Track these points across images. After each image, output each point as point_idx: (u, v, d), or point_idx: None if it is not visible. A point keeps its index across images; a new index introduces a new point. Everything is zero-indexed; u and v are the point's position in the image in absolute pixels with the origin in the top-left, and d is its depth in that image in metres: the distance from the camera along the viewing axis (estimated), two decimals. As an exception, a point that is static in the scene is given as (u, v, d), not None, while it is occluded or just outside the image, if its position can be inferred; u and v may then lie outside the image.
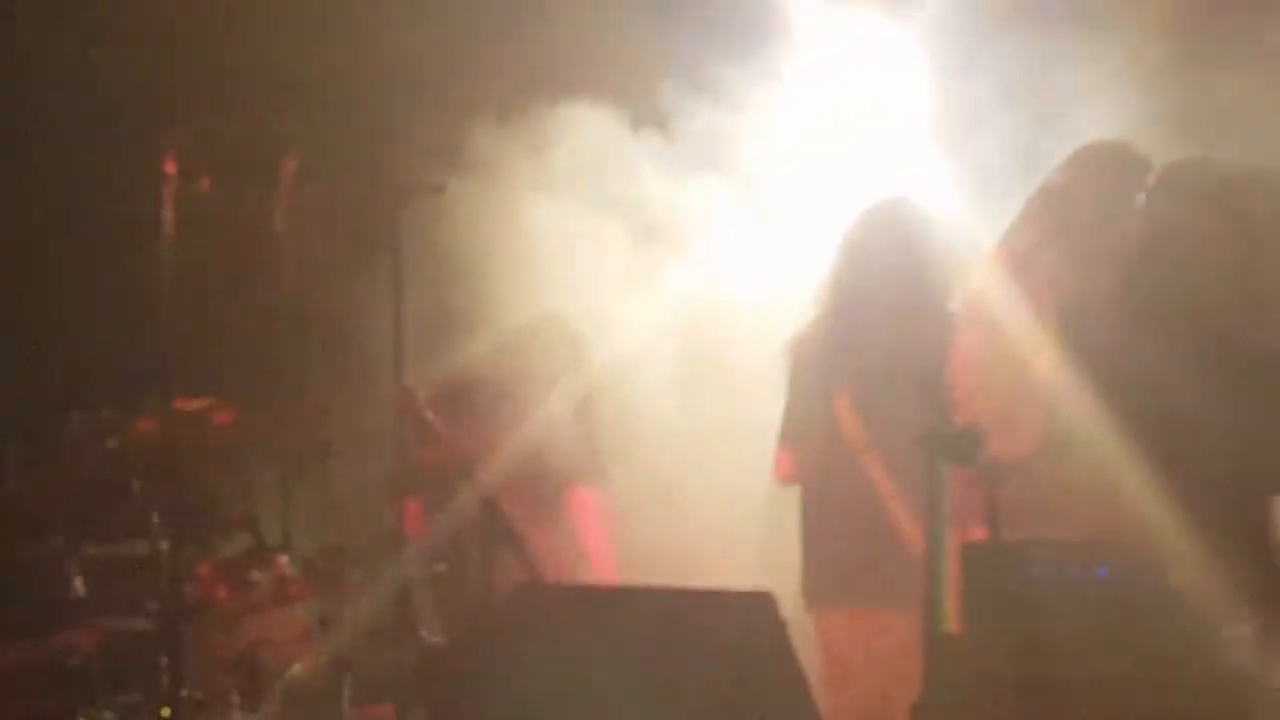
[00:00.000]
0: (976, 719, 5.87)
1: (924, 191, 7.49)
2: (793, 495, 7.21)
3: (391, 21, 8.33)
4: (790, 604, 6.75)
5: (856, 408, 6.91)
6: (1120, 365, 6.25)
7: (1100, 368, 6.31)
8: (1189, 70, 8.09)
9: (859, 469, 6.88)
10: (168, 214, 6.83)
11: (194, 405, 7.22)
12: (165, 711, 7.03)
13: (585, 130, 8.08)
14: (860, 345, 6.94)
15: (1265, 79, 7.98)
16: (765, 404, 7.27)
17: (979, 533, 5.96)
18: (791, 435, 7.11)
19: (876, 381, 6.88)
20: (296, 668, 7.19)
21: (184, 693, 6.84)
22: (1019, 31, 8.14)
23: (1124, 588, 5.85)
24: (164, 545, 6.92)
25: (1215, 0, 8.33)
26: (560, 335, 7.90)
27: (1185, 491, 6.01)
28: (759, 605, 6.05)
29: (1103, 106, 7.89)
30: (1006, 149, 7.88)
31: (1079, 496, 6.21)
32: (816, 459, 7.02)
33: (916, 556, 6.45)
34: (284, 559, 7.27)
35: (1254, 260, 6.39)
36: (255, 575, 7.23)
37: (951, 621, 6.02)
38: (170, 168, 6.84)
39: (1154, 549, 5.93)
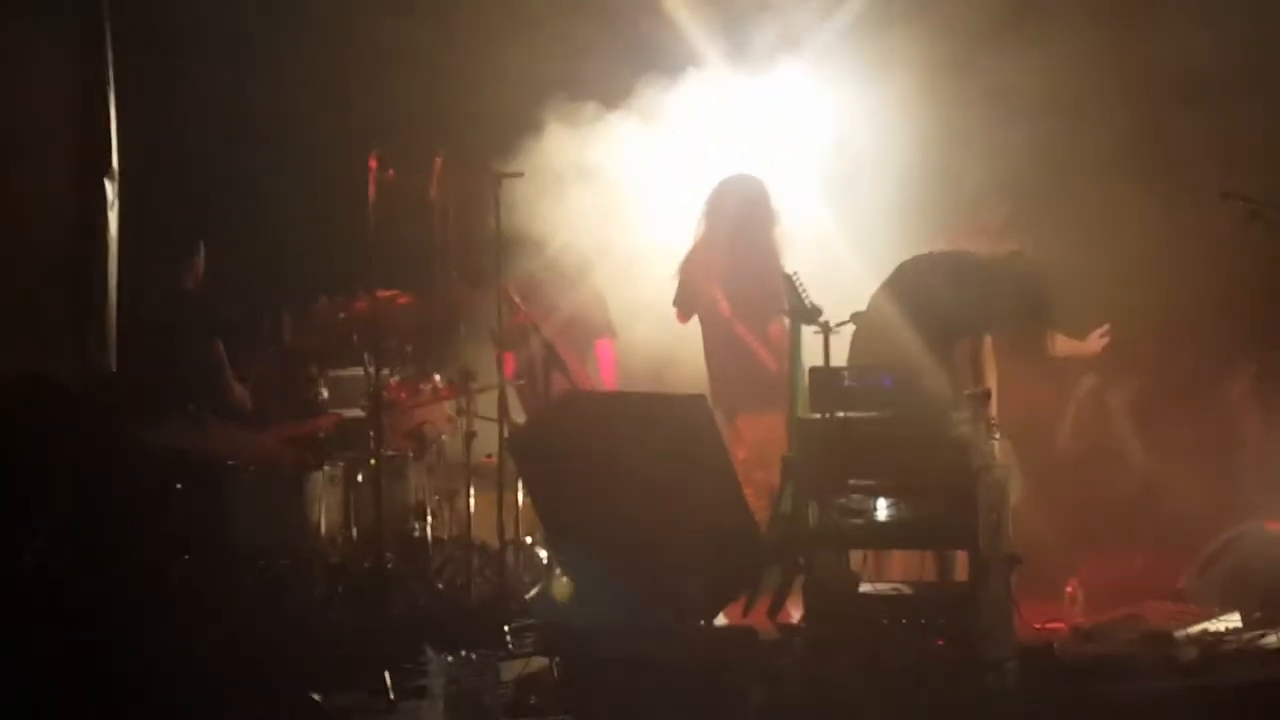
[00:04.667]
0: (820, 463, 7.94)
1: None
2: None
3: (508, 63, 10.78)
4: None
5: (728, 297, 9.87)
6: (910, 288, 9.06)
7: (899, 290, 9.06)
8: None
9: (730, 327, 9.84)
10: (371, 189, 9.09)
11: (387, 293, 9.72)
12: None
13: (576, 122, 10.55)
14: (729, 265, 9.87)
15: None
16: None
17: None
18: (682, 304, 10.02)
19: (739, 283, 9.84)
20: (444, 436, 10.07)
21: (381, 451, 9.17)
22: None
23: (899, 389, 8.01)
24: (370, 369, 9.31)
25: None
26: (579, 256, 10.62)
27: (927, 338, 8.81)
28: (696, 403, 8.78)
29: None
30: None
31: (883, 345, 8.86)
32: (706, 325, 9.91)
33: (774, 376, 9.53)
34: (436, 376, 10.05)
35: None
36: (421, 385, 10.03)
37: (805, 410, 8.31)
38: (373, 163, 9.11)
39: (914, 368, 8.31)
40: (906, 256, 9.27)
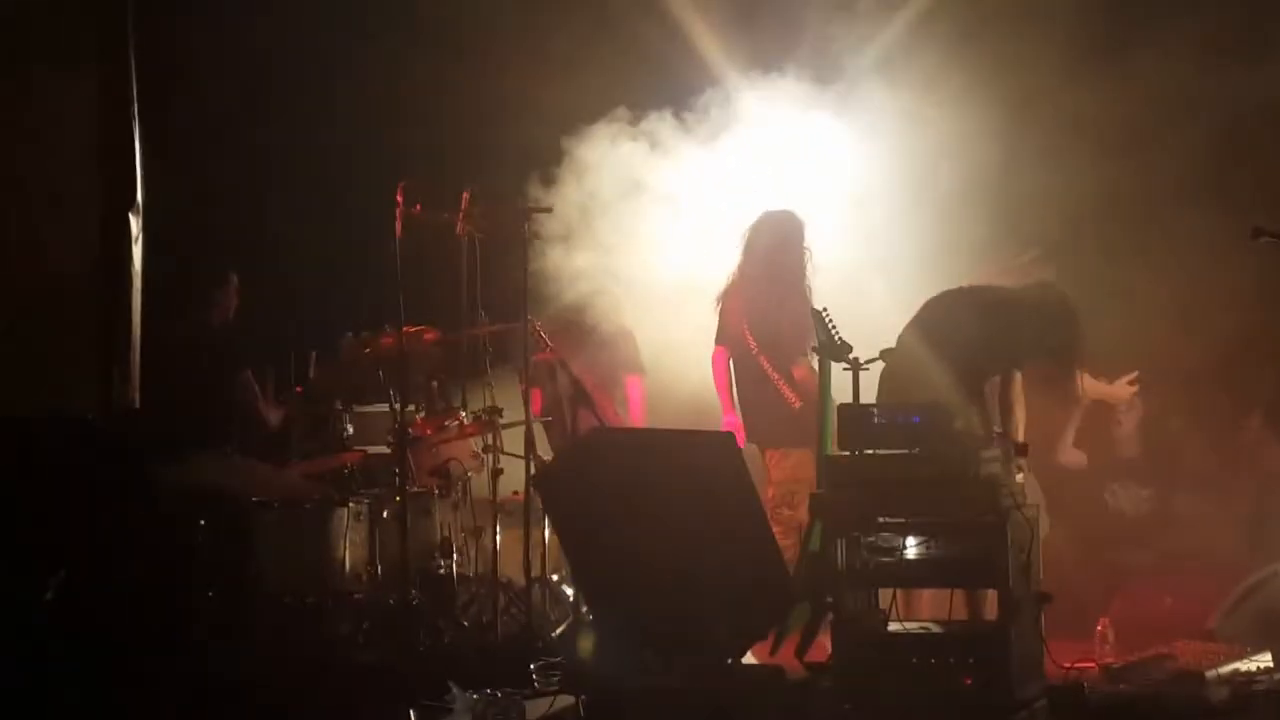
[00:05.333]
0: (849, 501, 7.89)
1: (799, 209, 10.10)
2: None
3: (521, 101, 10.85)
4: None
5: (753, 332, 9.89)
6: (938, 324, 8.97)
7: (928, 328, 8.96)
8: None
9: (757, 362, 9.87)
10: (398, 224, 9.27)
11: (413, 329, 9.71)
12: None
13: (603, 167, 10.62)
14: (757, 298, 9.92)
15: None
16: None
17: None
18: (721, 339, 10.04)
19: (765, 319, 9.87)
20: (470, 472, 10.03)
21: (406, 487, 9.35)
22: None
23: (928, 427, 7.97)
24: (396, 406, 9.50)
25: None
26: (611, 295, 10.64)
27: (956, 375, 8.73)
28: (725, 440, 8.80)
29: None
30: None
31: (911, 382, 8.78)
32: (736, 358, 9.97)
33: (797, 413, 9.59)
34: (463, 413, 10.07)
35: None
36: (446, 421, 10.03)
37: (833, 447, 8.29)
38: (399, 198, 9.29)
39: (943, 406, 8.22)
40: (935, 293, 9.26)
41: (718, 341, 10.10)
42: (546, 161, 10.58)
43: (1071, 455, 10.63)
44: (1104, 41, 10.38)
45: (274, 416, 9.95)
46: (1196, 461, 10.35)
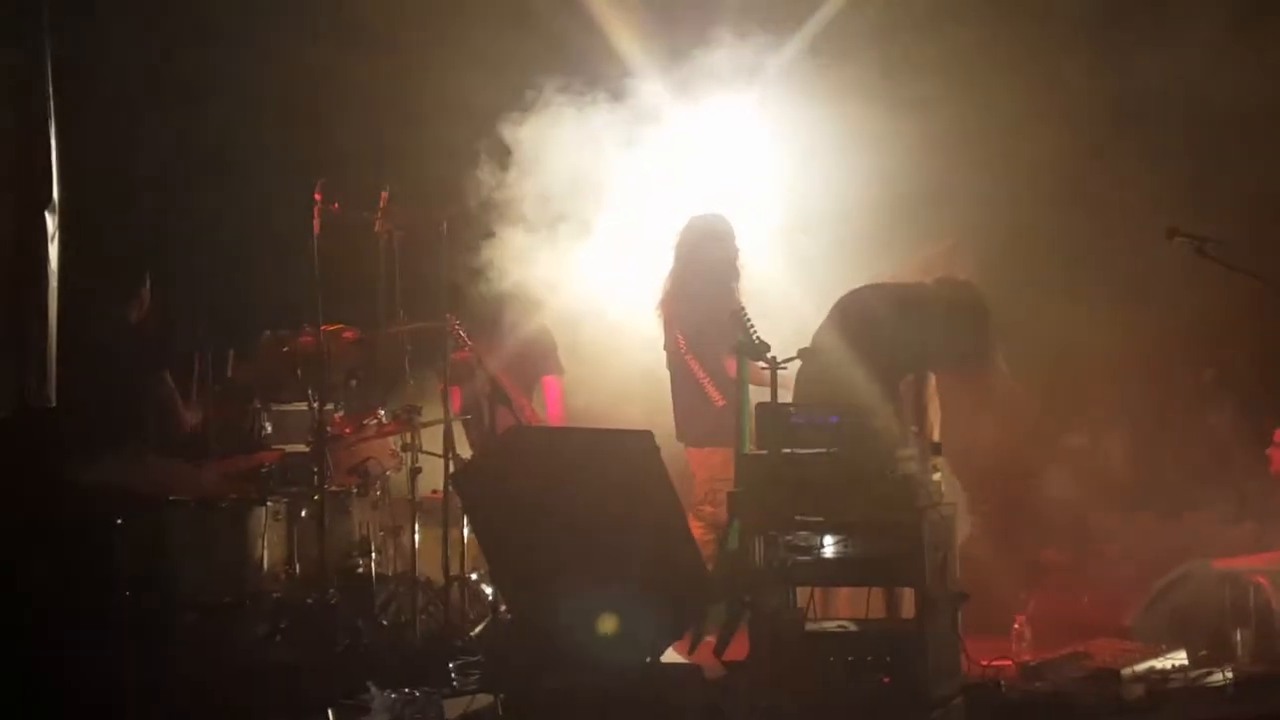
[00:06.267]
0: (766, 500, 7.89)
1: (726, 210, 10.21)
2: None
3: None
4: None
5: (682, 332, 10.01)
6: (854, 323, 9.02)
7: (844, 327, 9.01)
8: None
9: (685, 361, 9.99)
10: (315, 223, 9.24)
11: (331, 327, 9.68)
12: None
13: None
14: (687, 301, 10.04)
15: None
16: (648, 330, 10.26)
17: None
18: (665, 345, 10.12)
19: (694, 320, 9.98)
20: (389, 471, 10.07)
21: (325, 486, 9.32)
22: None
23: (846, 426, 8.00)
24: (314, 404, 9.45)
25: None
26: (530, 293, 10.63)
27: (875, 375, 8.69)
28: (643, 439, 8.64)
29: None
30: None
31: (828, 382, 8.79)
32: (670, 358, 10.10)
33: (720, 411, 9.62)
34: (381, 411, 10.01)
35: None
36: (365, 420, 9.96)
37: (751, 446, 8.44)
38: (318, 196, 9.27)
39: (860, 405, 8.29)
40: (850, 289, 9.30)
41: (665, 348, 10.23)
42: (466, 158, 10.65)
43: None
44: (1035, 37, 10.53)
45: (192, 416, 9.87)
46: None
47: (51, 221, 9.23)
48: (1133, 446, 10.55)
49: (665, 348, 10.21)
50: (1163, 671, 8.43)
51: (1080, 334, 10.21)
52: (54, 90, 9.20)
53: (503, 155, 10.67)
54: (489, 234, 10.57)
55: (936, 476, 8.40)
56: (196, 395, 10.05)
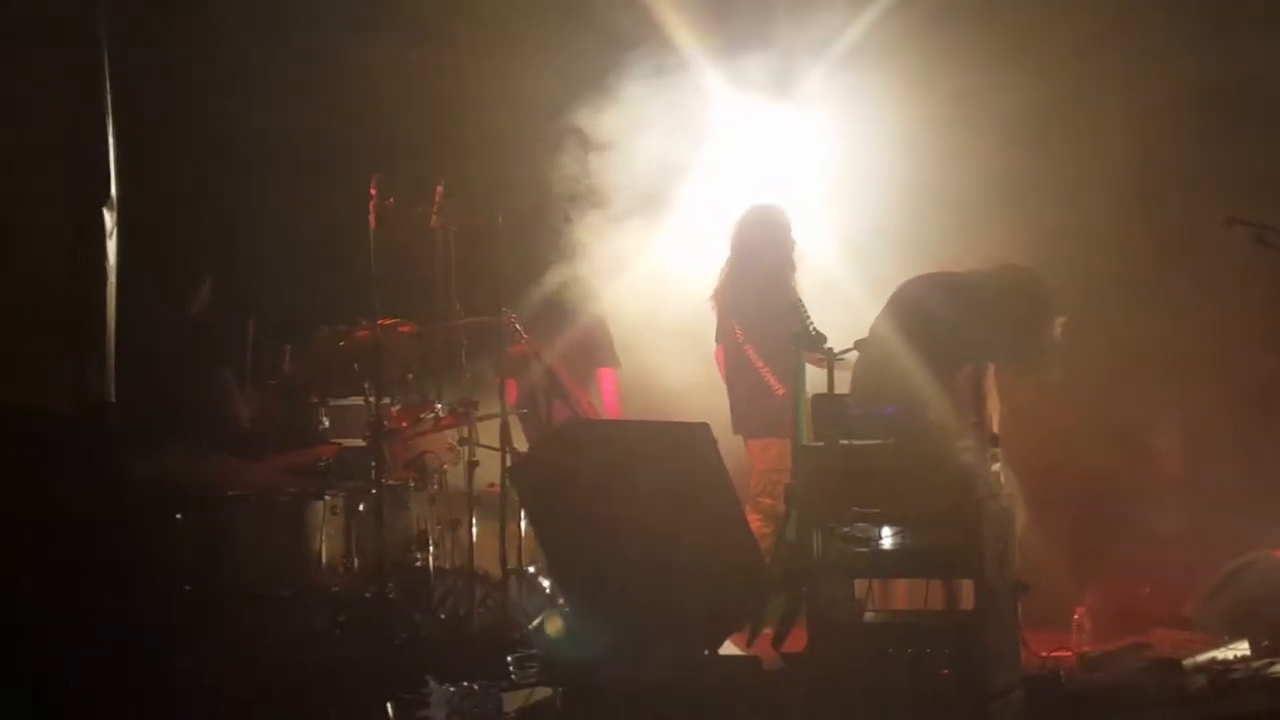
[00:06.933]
0: (824, 492, 7.82)
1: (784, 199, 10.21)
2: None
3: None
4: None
5: (740, 323, 10.02)
6: (909, 313, 8.98)
7: (900, 317, 8.97)
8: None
9: (743, 352, 10.00)
10: (371, 217, 9.26)
11: (388, 321, 9.67)
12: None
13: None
14: (743, 290, 10.05)
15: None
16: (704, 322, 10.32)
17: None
18: (719, 336, 10.20)
19: (751, 309, 9.99)
20: (446, 465, 10.02)
21: (382, 480, 9.25)
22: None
23: (902, 419, 7.99)
24: (371, 399, 9.46)
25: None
26: (587, 286, 10.70)
27: (931, 366, 8.70)
28: (700, 431, 8.78)
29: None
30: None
31: (886, 373, 8.82)
32: (727, 351, 10.13)
33: (780, 402, 9.59)
34: (438, 405, 9.89)
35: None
36: (422, 414, 9.87)
37: (808, 437, 8.45)
38: (373, 191, 9.27)
39: (917, 396, 8.43)
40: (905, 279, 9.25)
41: (717, 340, 10.25)
42: (525, 153, 10.67)
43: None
44: (1076, 29, 10.44)
45: (248, 411, 9.87)
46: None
47: (110, 219, 9.38)
48: (1196, 436, 10.38)
49: (717, 339, 10.21)
50: (1225, 662, 8.37)
51: (1144, 326, 10.15)
52: (111, 89, 9.27)
53: (558, 148, 10.73)
54: (547, 227, 10.65)
55: (995, 467, 8.38)
56: (252, 390, 10.10)
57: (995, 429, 8.72)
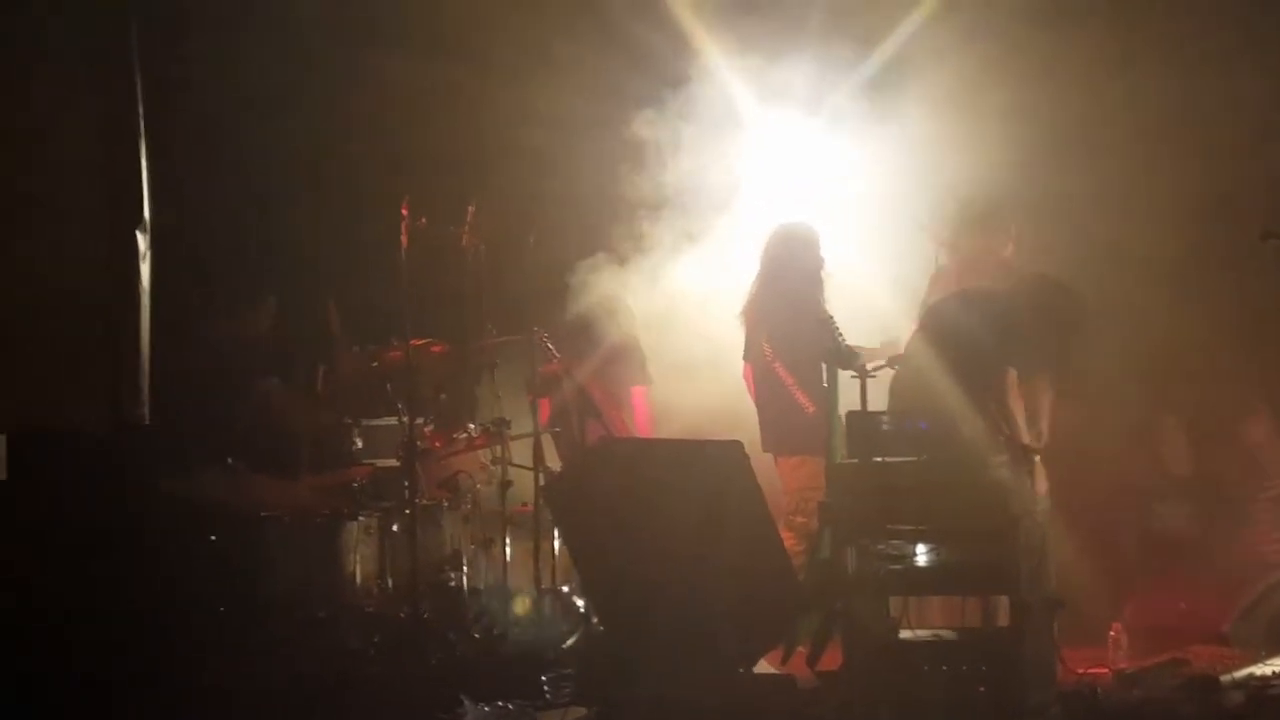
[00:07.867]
0: (858, 509, 7.92)
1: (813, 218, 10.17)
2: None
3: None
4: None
5: (770, 341, 9.93)
6: (944, 330, 8.90)
7: (934, 335, 8.91)
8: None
9: (773, 370, 9.92)
10: (403, 237, 9.33)
11: (420, 341, 9.77)
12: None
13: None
14: (773, 307, 9.96)
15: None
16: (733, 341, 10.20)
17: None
18: (747, 355, 10.11)
19: (781, 327, 9.90)
20: (479, 484, 10.00)
21: (416, 500, 9.34)
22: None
23: (936, 433, 8.03)
24: (404, 419, 9.49)
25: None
26: (619, 304, 10.69)
27: (963, 384, 8.54)
28: (733, 449, 8.73)
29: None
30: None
31: (920, 390, 8.71)
32: (756, 369, 10.04)
33: (811, 420, 9.50)
34: (471, 424, 10.03)
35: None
36: (455, 434, 9.98)
37: (842, 455, 8.37)
38: (405, 210, 9.35)
39: (951, 412, 8.28)
40: (930, 292, 9.32)
41: (745, 358, 10.17)
42: (553, 171, 10.61)
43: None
44: (1108, 47, 10.37)
45: (308, 415, 9.91)
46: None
47: (143, 241, 9.39)
48: (1234, 451, 10.23)
49: (746, 356, 10.14)
50: (1263, 678, 8.32)
51: (1179, 339, 10.03)
52: (144, 111, 9.29)
53: (592, 166, 10.70)
54: (578, 246, 10.60)
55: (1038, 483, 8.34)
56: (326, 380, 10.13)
57: (1025, 441, 8.63)
